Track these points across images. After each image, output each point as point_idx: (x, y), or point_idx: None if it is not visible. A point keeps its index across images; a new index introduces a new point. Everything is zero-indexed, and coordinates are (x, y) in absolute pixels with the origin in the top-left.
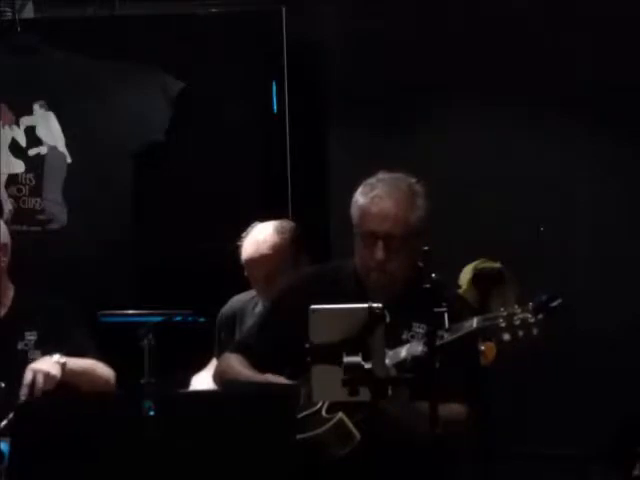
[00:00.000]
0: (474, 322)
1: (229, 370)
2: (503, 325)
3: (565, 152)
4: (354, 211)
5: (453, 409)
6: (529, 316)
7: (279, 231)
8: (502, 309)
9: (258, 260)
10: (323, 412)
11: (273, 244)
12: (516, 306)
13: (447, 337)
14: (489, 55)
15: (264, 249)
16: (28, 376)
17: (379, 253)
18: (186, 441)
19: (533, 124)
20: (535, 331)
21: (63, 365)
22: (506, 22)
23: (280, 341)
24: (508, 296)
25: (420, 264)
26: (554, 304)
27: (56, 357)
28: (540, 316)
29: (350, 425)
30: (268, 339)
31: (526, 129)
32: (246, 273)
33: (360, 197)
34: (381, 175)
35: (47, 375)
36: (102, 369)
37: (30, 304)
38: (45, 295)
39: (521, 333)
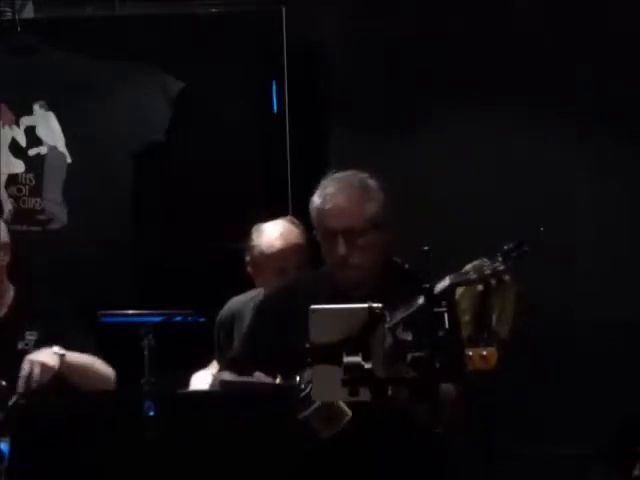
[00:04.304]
0: (447, 280)
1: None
2: (475, 277)
3: (565, 152)
4: (312, 213)
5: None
6: (498, 264)
7: (293, 222)
8: (472, 263)
9: (290, 250)
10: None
11: (299, 233)
12: (484, 258)
13: (423, 299)
14: (489, 55)
15: (293, 238)
16: (25, 367)
17: (340, 248)
18: (186, 441)
19: (533, 124)
20: (506, 277)
21: (62, 357)
22: (506, 22)
23: (267, 350)
24: (508, 296)
25: (396, 259)
26: (522, 250)
27: (55, 348)
28: (510, 262)
29: (339, 403)
30: (255, 350)
31: (526, 129)
32: (251, 271)
33: (315, 198)
34: (333, 175)
35: (44, 366)
36: (101, 366)
37: (30, 304)
38: (45, 295)
39: (493, 281)
